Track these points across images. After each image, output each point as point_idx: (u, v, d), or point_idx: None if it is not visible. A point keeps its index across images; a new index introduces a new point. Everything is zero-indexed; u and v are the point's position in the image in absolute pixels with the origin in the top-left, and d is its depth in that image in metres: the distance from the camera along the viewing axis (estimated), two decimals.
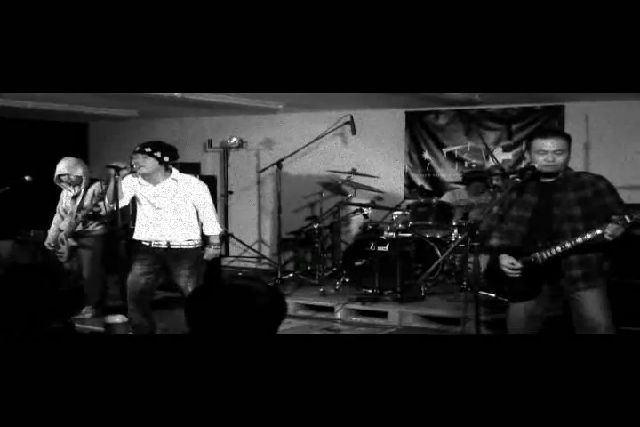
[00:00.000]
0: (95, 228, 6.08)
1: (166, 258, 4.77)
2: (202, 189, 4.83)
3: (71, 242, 6.03)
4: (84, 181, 6.03)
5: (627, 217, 3.28)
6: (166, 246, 4.75)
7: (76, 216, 6.00)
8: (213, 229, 4.88)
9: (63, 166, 6.02)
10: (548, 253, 3.59)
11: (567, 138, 3.64)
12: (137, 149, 4.65)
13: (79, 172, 6.03)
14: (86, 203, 6.00)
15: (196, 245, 4.81)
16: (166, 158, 4.66)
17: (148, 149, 4.61)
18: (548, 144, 3.56)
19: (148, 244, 4.78)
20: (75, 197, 6.12)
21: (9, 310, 1.94)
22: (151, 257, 4.78)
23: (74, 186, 6.10)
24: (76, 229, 6.00)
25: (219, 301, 1.83)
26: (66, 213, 6.19)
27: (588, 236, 3.44)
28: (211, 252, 4.89)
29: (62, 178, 6.06)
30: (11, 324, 1.92)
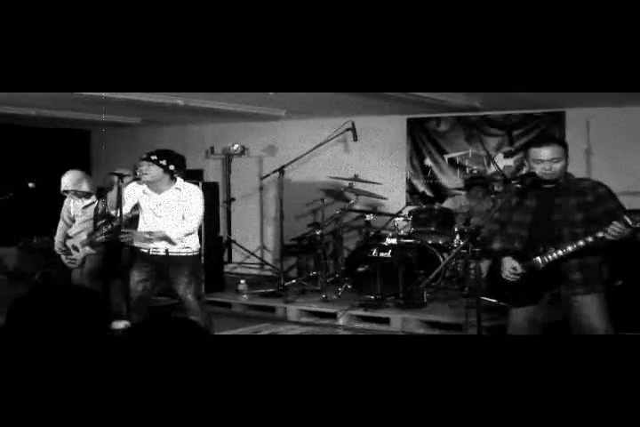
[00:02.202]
0: (102, 236, 6.10)
1: (165, 265, 4.77)
2: (195, 197, 4.74)
3: (89, 250, 6.06)
4: (92, 195, 6.09)
5: (629, 220, 3.30)
6: (165, 253, 4.74)
7: (95, 224, 6.03)
8: (177, 232, 4.69)
9: (69, 182, 6.04)
10: (550, 257, 3.61)
11: (562, 144, 3.66)
12: (143, 156, 4.64)
13: (85, 187, 6.07)
14: (100, 210, 6.04)
15: (194, 252, 4.80)
16: (172, 167, 4.64)
17: (153, 157, 4.61)
18: (544, 153, 3.59)
19: (146, 251, 4.77)
20: (85, 208, 6.16)
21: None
22: (149, 264, 4.77)
23: (80, 197, 6.15)
24: (97, 239, 6.02)
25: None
26: (72, 221, 6.22)
27: (590, 239, 3.45)
28: (138, 235, 4.69)
29: (69, 192, 6.10)
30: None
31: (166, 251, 4.72)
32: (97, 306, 2.02)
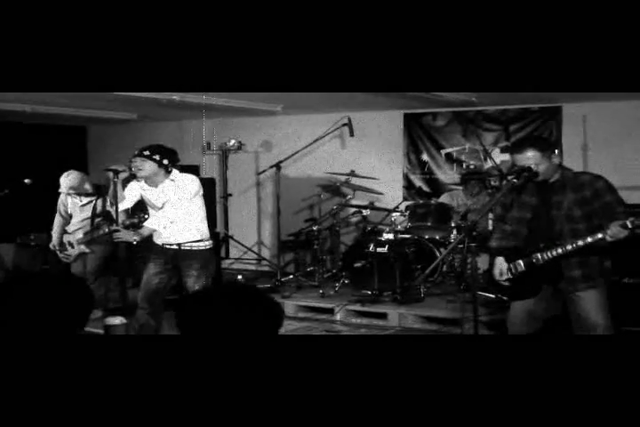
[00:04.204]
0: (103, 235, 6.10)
1: (176, 258, 4.79)
2: (185, 185, 4.68)
3: (83, 248, 6.06)
4: (92, 194, 6.11)
5: (628, 222, 3.31)
6: (177, 247, 4.76)
7: (92, 222, 6.04)
8: (156, 224, 4.66)
9: (71, 183, 6.05)
10: (549, 254, 3.63)
11: (538, 147, 3.64)
12: (136, 152, 4.66)
13: (87, 187, 6.10)
14: (99, 210, 6.05)
15: (206, 246, 4.81)
16: (165, 161, 4.65)
17: (146, 153, 4.62)
18: (521, 159, 3.63)
19: (160, 244, 4.81)
20: (84, 206, 6.17)
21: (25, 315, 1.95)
22: (163, 257, 4.80)
23: (80, 196, 6.16)
24: (95, 237, 6.03)
25: (213, 305, 1.84)
26: (69, 216, 6.23)
27: (590, 239, 3.47)
28: (123, 234, 4.67)
29: (72, 193, 6.12)
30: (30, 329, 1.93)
31: (178, 244, 4.74)
32: (80, 293, 2.03)
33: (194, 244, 4.75)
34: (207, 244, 4.81)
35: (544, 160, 3.61)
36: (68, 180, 6.07)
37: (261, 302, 1.88)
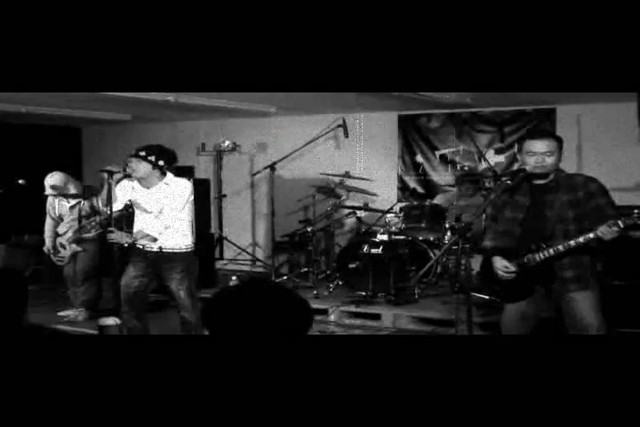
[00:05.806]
0: (92, 233, 6.10)
1: (158, 262, 4.75)
2: (179, 190, 4.67)
3: (75, 248, 6.06)
4: (79, 195, 6.11)
5: (620, 222, 3.32)
6: (158, 250, 4.72)
7: (80, 222, 6.03)
8: (154, 230, 4.66)
9: (54, 184, 6.05)
10: (541, 255, 3.62)
11: (557, 139, 3.66)
12: (132, 152, 4.64)
13: (71, 188, 6.09)
14: (85, 210, 6.05)
15: (187, 248, 4.78)
16: (161, 162, 4.62)
17: (142, 153, 4.59)
18: (537, 145, 3.60)
19: (141, 247, 4.76)
20: (73, 207, 6.16)
21: None
22: (144, 260, 4.76)
23: (67, 198, 6.16)
24: (84, 235, 6.03)
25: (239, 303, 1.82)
26: (60, 218, 6.22)
27: (582, 240, 3.47)
28: (116, 236, 4.61)
29: (54, 194, 6.12)
30: None
31: (160, 248, 4.71)
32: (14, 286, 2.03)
33: (175, 247, 4.72)
34: (189, 246, 4.78)
35: (557, 152, 3.61)
36: (50, 181, 6.07)
37: (293, 301, 1.86)
